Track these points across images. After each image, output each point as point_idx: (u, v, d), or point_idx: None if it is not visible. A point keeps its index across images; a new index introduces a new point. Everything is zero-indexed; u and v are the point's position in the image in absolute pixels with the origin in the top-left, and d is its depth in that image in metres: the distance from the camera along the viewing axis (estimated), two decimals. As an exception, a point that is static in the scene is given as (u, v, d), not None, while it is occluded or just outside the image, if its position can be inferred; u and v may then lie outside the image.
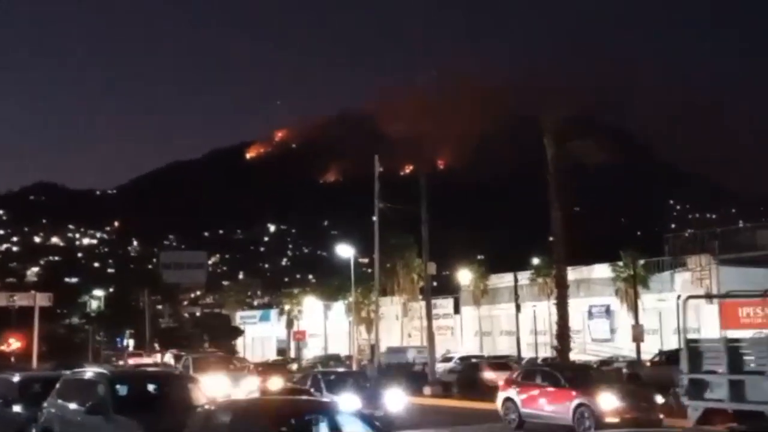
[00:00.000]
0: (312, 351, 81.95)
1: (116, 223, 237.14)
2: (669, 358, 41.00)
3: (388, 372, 46.54)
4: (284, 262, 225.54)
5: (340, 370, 44.81)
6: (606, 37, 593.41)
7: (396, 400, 27.49)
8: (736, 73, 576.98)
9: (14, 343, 74.39)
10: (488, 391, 36.81)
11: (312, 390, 27.24)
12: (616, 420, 22.16)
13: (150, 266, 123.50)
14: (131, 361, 68.67)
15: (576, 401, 23.40)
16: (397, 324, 75.97)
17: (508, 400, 26.21)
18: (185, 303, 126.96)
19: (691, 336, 51.65)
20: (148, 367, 47.55)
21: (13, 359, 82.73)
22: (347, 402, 23.53)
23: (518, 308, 59.14)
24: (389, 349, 63.17)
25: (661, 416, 23.63)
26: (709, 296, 48.41)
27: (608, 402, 22.96)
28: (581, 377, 25.90)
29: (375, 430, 11.87)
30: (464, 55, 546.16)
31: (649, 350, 48.39)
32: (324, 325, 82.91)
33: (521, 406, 25.33)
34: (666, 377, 38.32)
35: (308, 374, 31.43)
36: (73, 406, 16.12)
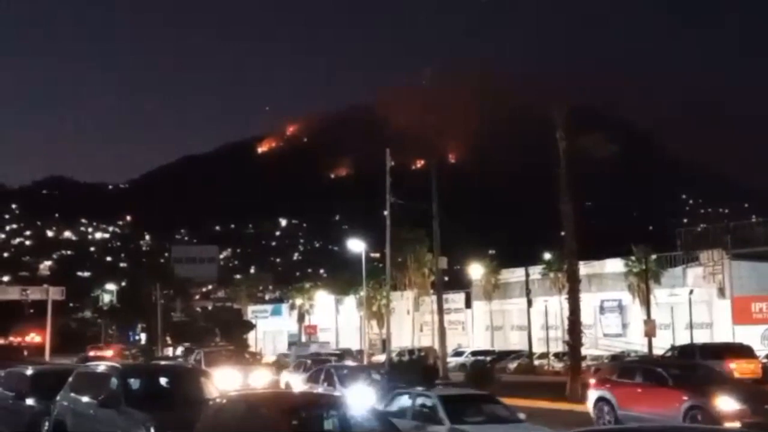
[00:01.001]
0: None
1: (128, 218, 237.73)
2: (681, 353, 40.87)
3: (399, 367, 46.54)
4: (296, 256, 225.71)
5: (354, 364, 43.99)
6: (618, 29, 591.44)
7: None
8: (750, 67, 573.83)
9: (35, 338, 75.04)
10: (501, 386, 36.82)
11: (325, 384, 27.35)
12: (736, 425, 19.38)
13: (162, 260, 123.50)
14: (91, 353, 69.25)
15: (688, 403, 20.78)
16: (408, 318, 75.98)
17: (601, 400, 23.52)
18: (197, 297, 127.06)
19: (702, 332, 51.75)
20: (108, 360, 46.48)
21: (26, 353, 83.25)
22: (361, 396, 23.49)
23: (530, 303, 59.05)
24: (299, 344, 71.30)
25: None
26: None
27: (726, 404, 20.33)
28: (690, 375, 23.24)
29: (385, 425, 11.85)
30: (475, 50, 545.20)
31: (661, 345, 48.22)
32: (335, 320, 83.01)
33: (619, 408, 22.57)
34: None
35: (321, 368, 30.90)
36: (85, 399, 16.17)
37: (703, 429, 6.48)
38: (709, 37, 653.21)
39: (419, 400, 17.54)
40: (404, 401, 18.01)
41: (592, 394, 24.22)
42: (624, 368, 25.91)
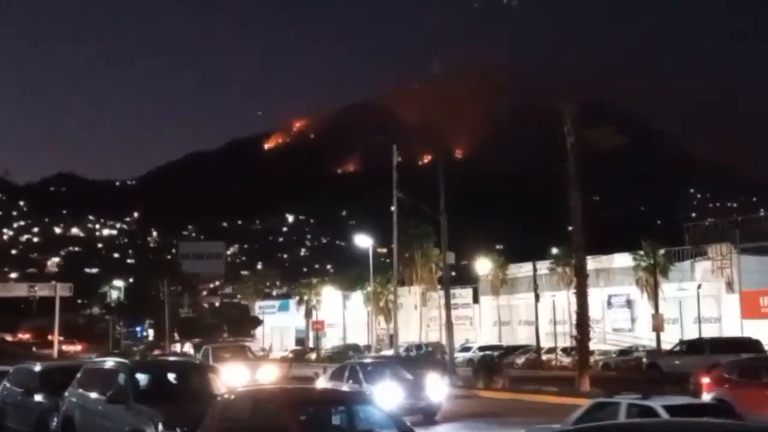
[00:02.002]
0: (331, 341, 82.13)
1: (136, 214, 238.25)
2: (690, 347, 40.79)
3: (407, 361, 46.51)
4: (303, 252, 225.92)
5: (378, 359, 41.71)
6: (625, 25, 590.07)
7: (437, 389, 25.89)
8: (757, 60, 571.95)
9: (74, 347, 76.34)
10: (510, 381, 36.76)
11: (350, 382, 25.84)
12: None
13: (169, 257, 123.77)
14: (65, 347, 70.08)
15: None
16: (416, 314, 75.95)
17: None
18: (204, 293, 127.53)
19: (710, 326, 51.65)
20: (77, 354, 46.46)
21: (34, 348, 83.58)
22: (388, 393, 23.04)
23: (537, 298, 59.00)
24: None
25: None
26: None
27: None
28: None
29: (396, 422, 11.80)
30: (483, 45, 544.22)
31: (669, 340, 48.12)
32: (342, 315, 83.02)
33: (742, 411, 19.02)
34: (686, 367, 38.20)
35: (345, 365, 29.40)
36: (93, 395, 16.19)
37: (734, 425, 6.39)
38: (720, 31, 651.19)
39: (634, 411, 14.48)
40: (611, 412, 14.83)
41: (706, 396, 20.95)
42: (746, 366, 22.55)
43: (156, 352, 72.16)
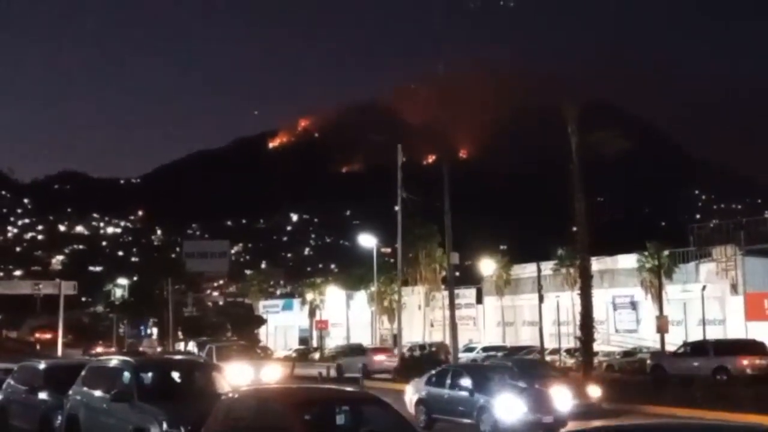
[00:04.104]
0: (334, 340, 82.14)
1: (140, 212, 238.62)
2: (694, 349, 40.72)
3: (411, 362, 46.47)
4: (307, 251, 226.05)
5: (483, 361, 37.55)
6: (630, 27, 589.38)
7: (564, 402, 22.49)
8: (761, 64, 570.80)
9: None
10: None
11: (456, 390, 22.63)
12: None
13: (173, 255, 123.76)
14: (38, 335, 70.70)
15: None
16: (419, 314, 75.91)
17: None
18: (208, 292, 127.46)
19: (715, 328, 51.55)
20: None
21: (38, 347, 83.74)
22: (507, 406, 20.82)
23: (541, 299, 58.88)
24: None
25: None
26: None
27: None
28: None
29: (402, 422, 11.78)
30: (488, 46, 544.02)
31: (674, 341, 48.05)
32: (346, 315, 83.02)
33: None
34: (691, 369, 38.17)
35: (446, 369, 25.62)
36: (98, 393, 16.21)
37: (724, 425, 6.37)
38: (726, 32, 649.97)
39: None
40: None
41: None
42: None
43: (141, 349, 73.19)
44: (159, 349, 77.84)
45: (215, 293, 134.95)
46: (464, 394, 22.16)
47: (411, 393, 24.86)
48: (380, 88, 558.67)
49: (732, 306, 53.58)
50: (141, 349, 79.19)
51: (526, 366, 29.59)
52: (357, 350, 60.75)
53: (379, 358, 49.88)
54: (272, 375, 34.17)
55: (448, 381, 23.21)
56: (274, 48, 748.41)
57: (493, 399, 21.14)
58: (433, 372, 25.30)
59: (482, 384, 22.03)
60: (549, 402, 21.52)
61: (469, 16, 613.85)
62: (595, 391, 24.87)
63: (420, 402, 24.09)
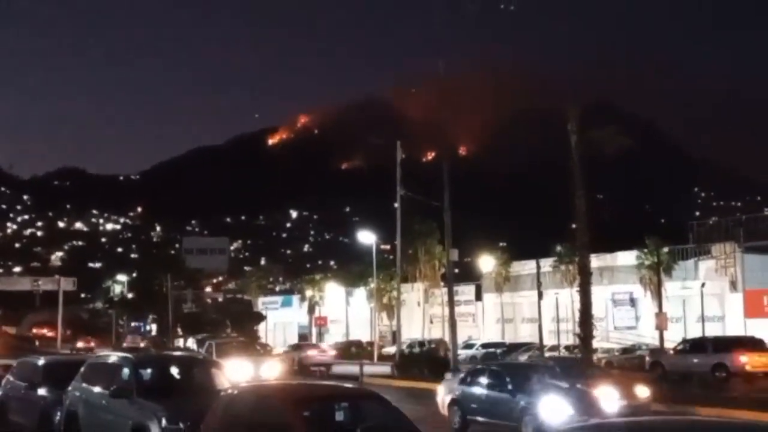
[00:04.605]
0: (334, 337, 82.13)
1: (139, 209, 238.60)
2: (693, 346, 40.77)
3: (410, 359, 46.53)
4: (306, 248, 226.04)
5: (526, 359, 35.48)
6: (629, 27, 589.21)
7: (610, 402, 20.72)
8: (761, 60, 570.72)
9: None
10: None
11: (495, 390, 21.18)
12: None
13: (173, 251, 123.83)
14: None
15: None
16: (419, 310, 75.92)
17: None
18: (207, 288, 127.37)
19: (714, 325, 51.59)
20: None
21: (37, 343, 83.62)
22: (553, 408, 19.35)
23: (540, 295, 58.91)
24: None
25: None
26: None
27: None
28: None
29: (401, 419, 11.76)
30: (491, 43, 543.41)
31: (673, 338, 48.09)
32: (345, 311, 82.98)
33: None
34: (689, 366, 38.22)
35: (482, 368, 23.95)
36: (97, 389, 16.21)
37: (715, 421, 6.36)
38: (725, 31, 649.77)
39: None
40: None
41: None
42: None
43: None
44: (142, 345, 77.94)
45: (214, 290, 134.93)
46: (504, 395, 20.71)
47: (443, 393, 23.38)
48: (380, 86, 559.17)
49: (731, 303, 53.62)
50: (125, 345, 79.07)
51: (567, 365, 28.11)
52: (295, 346, 63.87)
53: (312, 353, 55.26)
54: (272, 371, 34.18)
55: (486, 381, 21.75)
56: (274, 45, 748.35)
57: (536, 400, 19.71)
58: (468, 370, 24.05)
59: (523, 384, 20.51)
60: (596, 403, 19.97)
61: (469, 16, 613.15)
62: (643, 392, 22.91)
63: (454, 402, 22.50)
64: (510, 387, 20.57)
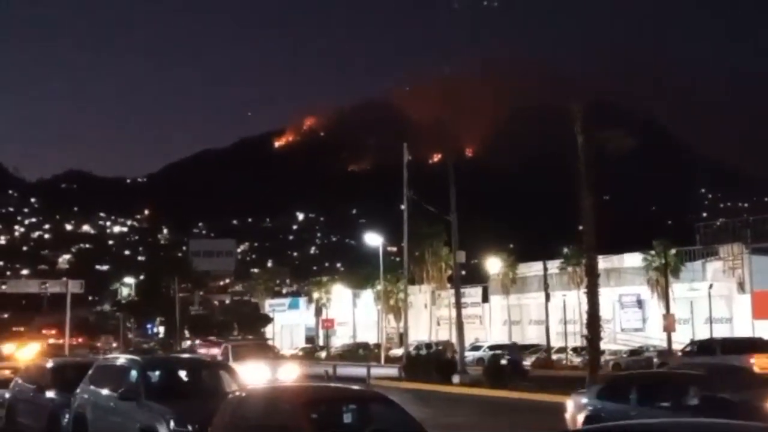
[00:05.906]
0: (340, 339, 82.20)
1: (146, 211, 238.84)
2: (701, 348, 40.64)
3: (417, 361, 46.45)
4: (313, 250, 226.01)
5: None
6: (635, 27, 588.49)
7: None
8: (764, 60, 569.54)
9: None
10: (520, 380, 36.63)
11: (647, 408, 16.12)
12: None
13: (180, 254, 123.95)
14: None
15: None
16: (426, 312, 75.94)
17: None
18: (214, 291, 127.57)
19: (722, 326, 51.46)
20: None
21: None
22: None
23: (547, 297, 58.91)
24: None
25: None
26: None
27: None
28: None
29: (410, 421, 11.75)
30: (497, 44, 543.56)
31: (680, 340, 47.98)
32: (352, 314, 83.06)
33: None
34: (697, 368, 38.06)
35: (622, 378, 21.50)
36: (105, 392, 16.22)
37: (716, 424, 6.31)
38: (733, 30, 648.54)
39: None
40: None
41: None
42: None
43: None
44: (115, 345, 78.01)
45: (221, 292, 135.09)
46: (659, 411, 15.89)
47: (573, 408, 19.33)
48: (385, 88, 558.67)
49: (739, 304, 53.53)
50: (113, 345, 79.11)
51: (723, 373, 22.39)
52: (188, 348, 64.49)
53: (203, 351, 54.24)
54: (290, 374, 33.92)
55: (635, 395, 17.53)
56: (281, 47, 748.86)
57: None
58: (608, 382, 20.54)
59: (680, 398, 16.72)
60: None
61: (471, 16, 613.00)
62: None
63: (590, 420, 17.91)
64: (669, 404, 16.63)
